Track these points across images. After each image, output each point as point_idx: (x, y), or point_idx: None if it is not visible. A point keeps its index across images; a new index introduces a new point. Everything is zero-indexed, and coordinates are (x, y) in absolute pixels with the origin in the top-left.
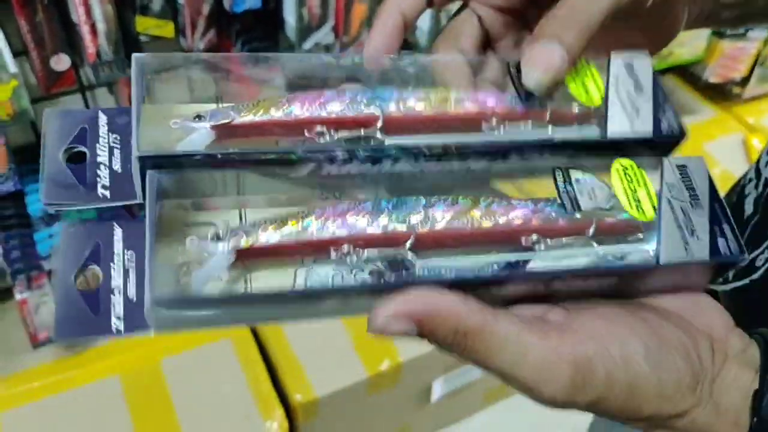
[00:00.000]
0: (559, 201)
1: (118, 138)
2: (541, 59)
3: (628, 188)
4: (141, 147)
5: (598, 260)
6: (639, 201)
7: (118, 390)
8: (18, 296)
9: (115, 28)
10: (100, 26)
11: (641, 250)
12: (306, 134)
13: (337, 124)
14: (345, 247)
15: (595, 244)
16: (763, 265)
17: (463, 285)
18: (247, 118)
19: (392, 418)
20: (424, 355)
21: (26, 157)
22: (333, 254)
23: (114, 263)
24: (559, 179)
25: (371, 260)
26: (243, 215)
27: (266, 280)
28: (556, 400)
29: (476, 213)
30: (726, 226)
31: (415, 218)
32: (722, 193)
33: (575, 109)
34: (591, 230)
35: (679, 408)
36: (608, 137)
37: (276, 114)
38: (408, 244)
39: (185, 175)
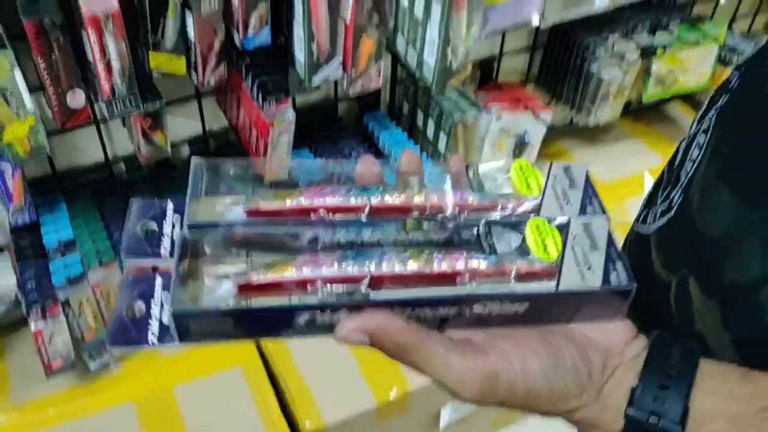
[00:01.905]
0: (482, 248)
1: (179, 217)
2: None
3: (538, 238)
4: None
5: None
6: (546, 246)
7: (132, 417)
8: (33, 327)
9: (128, 64)
10: (115, 64)
11: (550, 286)
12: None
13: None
14: (319, 284)
15: (514, 283)
16: (677, 201)
17: (404, 305)
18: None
19: None
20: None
21: (42, 189)
22: (309, 289)
23: (154, 299)
24: (482, 233)
25: (338, 293)
26: (249, 263)
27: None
28: (471, 400)
29: (420, 260)
30: (618, 263)
31: (372, 264)
32: None
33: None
34: (512, 273)
35: (569, 407)
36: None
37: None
38: (365, 282)
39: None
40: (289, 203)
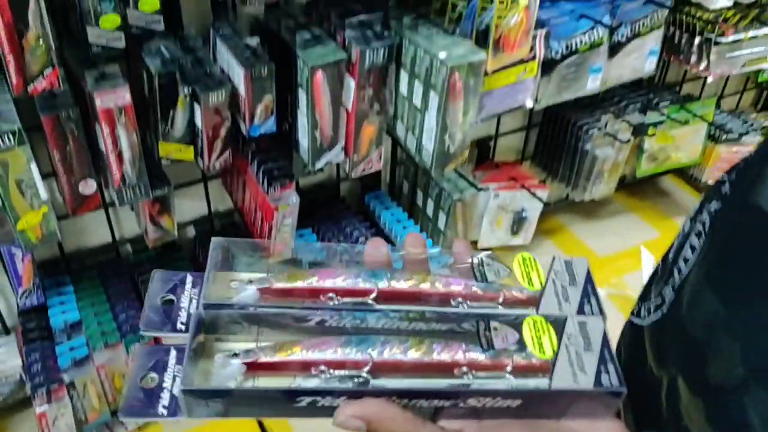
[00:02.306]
0: (480, 342)
1: (197, 292)
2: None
3: (534, 336)
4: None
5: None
6: (542, 345)
7: None
8: (37, 409)
9: (139, 154)
10: (126, 154)
11: (543, 382)
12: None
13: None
14: (322, 367)
15: (509, 377)
16: (669, 299)
17: (402, 395)
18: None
19: None
20: None
21: (50, 271)
22: (314, 371)
23: (167, 372)
24: (481, 327)
25: (340, 377)
26: (258, 341)
27: (267, 384)
28: None
29: (421, 349)
30: (611, 365)
31: (374, 351)
32: None
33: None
34: (509, 367)
35: None
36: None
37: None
38: (367, 368)
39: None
40: (301, 284)
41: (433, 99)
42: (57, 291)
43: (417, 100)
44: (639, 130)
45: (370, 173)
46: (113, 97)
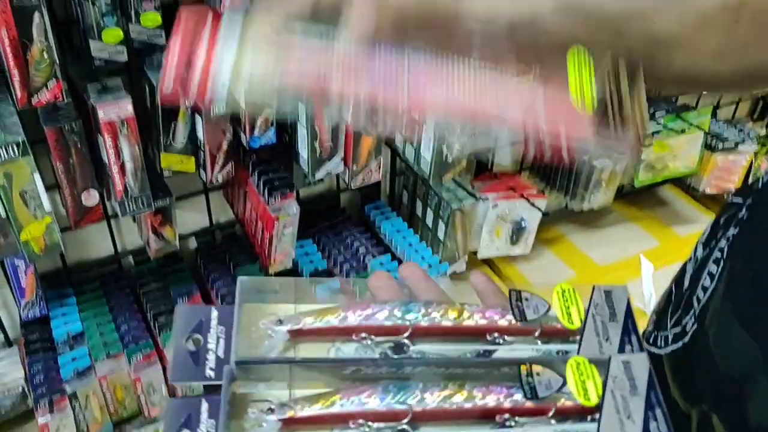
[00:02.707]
0: (523, 390)
1: (224, 330)
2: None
3: (578, 380)
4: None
5: None
6: (587, 391)
7: None
8: (40, 420)
9: (141, 166)
10: (128, 165)
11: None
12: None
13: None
14: (361, 421)
15: (553, 422)
16: (691, 328)
17: None
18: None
19: None
20: None
21: (53, 283)
22: (352, 424)
23: (200, 428)
24: (523, 373)
25: (379, 428)
26: (290, 393)
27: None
28: None
29: (462, 395)
30: (658, 411)
31: (414, 399)
32: None
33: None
34: (552, 412)
35: None
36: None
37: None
38: (406, 419)
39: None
40: (333, 321)
41: None
42: (59, 303)
43: None
44: None
45: (369, 183)
46: (116, 110)
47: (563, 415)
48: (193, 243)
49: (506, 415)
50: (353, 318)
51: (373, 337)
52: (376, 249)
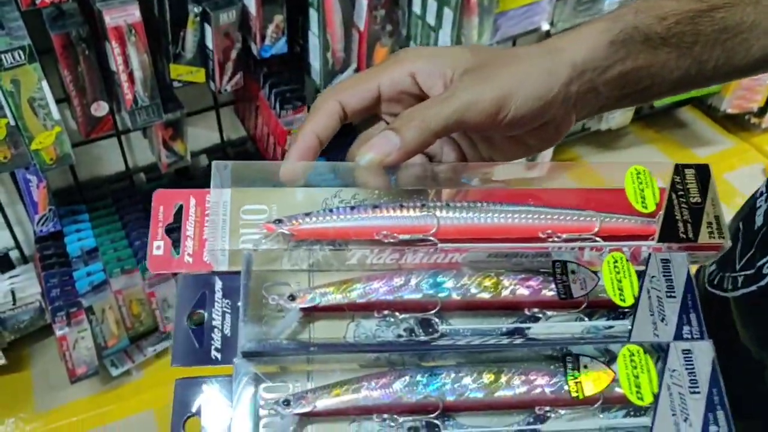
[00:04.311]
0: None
1: (229, 303)
2: (378, 144)
3: (631, 374)
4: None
5: None
6: (640, 388)
7: (152, 423)
8: (58, 332)
9: (150, 75)
10: (137, 74)
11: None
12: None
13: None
14: (385, 416)
15: (599, 415)
16: None
17: None
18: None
19: None
20: None
21: (65, 199)
22: (375, 419)
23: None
24: (569, 364)
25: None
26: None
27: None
28: None
29: (498, 386)
30: (720, 414)
31: (444, 389)
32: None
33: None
34: (597, 404)
35: None
36: (631, 340)
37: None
38: (437, 412)
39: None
40: (353, 294)
41: (448, 15)
42: (72, 219)
43: (431, 18)
44: None
45: None
46: (122, 15)
47: (610, 407)
48: (204, 160)
49: (547, 408)
50: (376, 289)
51: (397, 313)
52: None
